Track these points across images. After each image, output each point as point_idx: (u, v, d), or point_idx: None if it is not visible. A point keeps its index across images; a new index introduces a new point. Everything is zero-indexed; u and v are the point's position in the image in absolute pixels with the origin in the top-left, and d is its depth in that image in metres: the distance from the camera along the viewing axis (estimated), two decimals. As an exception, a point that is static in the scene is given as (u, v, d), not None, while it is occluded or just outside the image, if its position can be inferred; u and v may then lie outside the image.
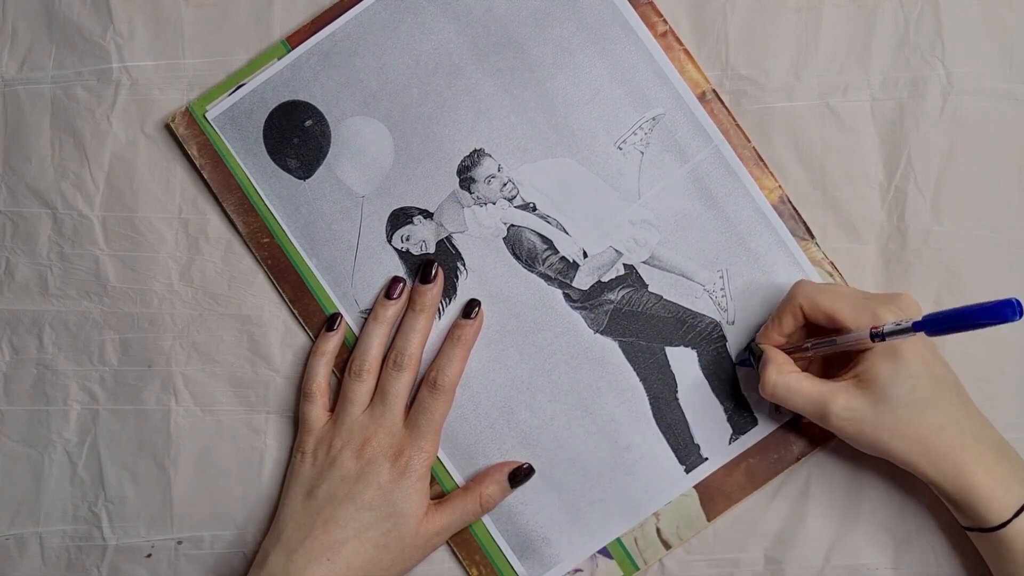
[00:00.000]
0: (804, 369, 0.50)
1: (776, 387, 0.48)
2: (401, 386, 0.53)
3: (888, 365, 0.46)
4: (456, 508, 0.52)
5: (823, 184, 0.54)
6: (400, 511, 0.51)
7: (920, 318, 0.43)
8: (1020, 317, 0.39)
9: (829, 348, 0.48)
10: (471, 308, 0.54)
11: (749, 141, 0.54)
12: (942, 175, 0.54)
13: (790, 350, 0.50)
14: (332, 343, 0.55)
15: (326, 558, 0.49)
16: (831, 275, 0.54)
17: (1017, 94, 0.54)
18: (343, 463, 0.51)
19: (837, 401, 0.47)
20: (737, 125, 0.54)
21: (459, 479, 0.54)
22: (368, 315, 0.54)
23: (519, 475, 0.53)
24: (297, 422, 0.55)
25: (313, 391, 0.54)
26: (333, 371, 0.55)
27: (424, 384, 0.53)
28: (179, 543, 0.56)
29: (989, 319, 0.40)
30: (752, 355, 0.52)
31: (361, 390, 0.53)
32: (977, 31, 0.54)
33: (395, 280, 0.54)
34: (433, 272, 0.54)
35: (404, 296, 0.54)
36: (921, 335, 0.43)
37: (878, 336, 0.45)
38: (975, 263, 0.54)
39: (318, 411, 0.54)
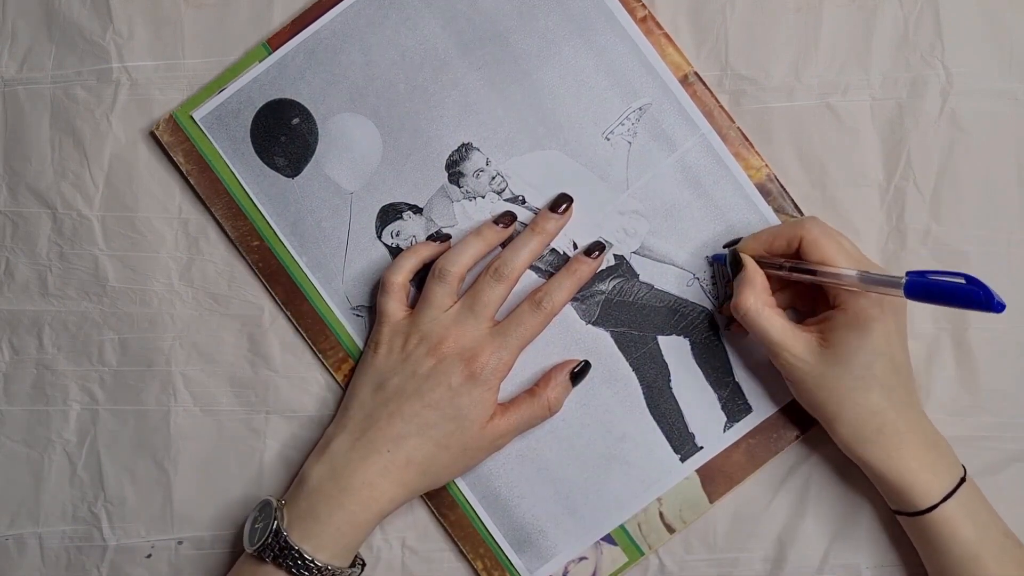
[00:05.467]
0: (774, 291, 0.51)
1: (748, 312, 0.49)
2: (495, 296, 0.52)
3: (855, 334, 0.47)
4: (524, 412, 0.52)
5: (823, 184, 0.54)
6: (465, 416, 0.50)
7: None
8: (1002, 311, 0.40)
9: (807, 277, 0.48)
10: (594, 248, 0.53)
11: (733, 121, 0.54)
12: (941, 175, 0.54)
13: (767, 264, 0.50)
14: (430, 250, 0.54)
15: (387, 449, 0.50)
16: None
17: (1017, 94, 0.54)
18: (417, 359, 0.51)
19: (795, 346, 0.48)
20: (720, 106, 0.54)
21: (460, 481, 0.55)
22: (470, 233, 0.54)
23: (580, 374, 0.53)
24: (296, 422, 0.55)
25: (394, 283, 0.53)
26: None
27: (528, 301, 0.52)
28: (179, 543, 0.56)
29: (975, 306, 0.40)
30: (731, 260, 0.51)
31: (442, 292, 0.52)
32: (977, 31, 0.54)
33: (508, 212, 0.54)
34: (564, 205, 0.53)
35: (510, 230, 0.54)
36: (901, 302, 0.46)
37: (865, 276, 0.45)
38: (974, 263, 0.54)
39: (395, 304, 0.53)
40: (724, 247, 0.53)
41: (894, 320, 0.48)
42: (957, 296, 0.41)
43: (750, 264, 0.50)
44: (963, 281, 0.41)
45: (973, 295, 0.40)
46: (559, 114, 0.55)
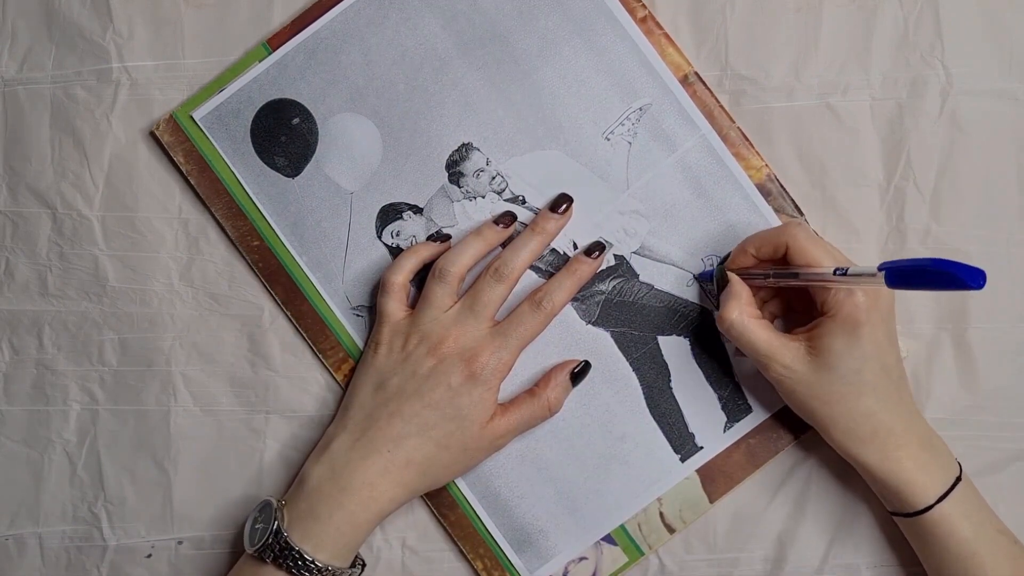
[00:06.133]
0: (762, 303, 0.51)
1: (733, 325, 0.49)
2: (496, 296, 0.52)
3: (843, 340, 0.47)
4: (524, 412, 0.52)
5: (823, 184, 0.55)
6: (464, 416, 0.50)
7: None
8: (982, 286, 0.39)
9: (790, 281, 0.48)
10: (594, 248, 0.53)
11: (733, 121, 0.54)
12: (941, 175, 0.54)
13: (752, 276, 0.50)
14: (430, 250, 0.54)
15: (387, 449, 0.50)
16: None
17: (1016, 94, 0.54)
18: (417, 359, 0.51)
19: (783, 356, 0.48)
20: (720, 106, 0.54)
21: (460, 481, 0.55)
22: (470, 233, 0.54)
23: (580, 374, 0.54)
24: (296, 422, 0.55)
25: (394, 283, 0.53)
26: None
27: (528, 301, 0.52)
28: (179, 543, 0.56)
29: (953, 284, 0.39)
30: (717, 277, 0.52)
31: (442, 292, 0.52)
32: (977, 31, 0.54)
33: (508, 212, 0.54)
34: (564, 205, 0.53)
35: (510, 230, 0.54)
36: (881, 298, 0.47)
37: (840, 271, 0.45)
38: (974, 263, 0.53)
39: (396, 304, 0.53)
40: (719, 264, 0.53)
41: (882, 324, 0.48)
42: (937, 276, 0.40)
43: (734, 278, 0.50)
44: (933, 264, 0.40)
45: (951, 269, 0.39)
46: (559, 114, 0.55)
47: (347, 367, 0.55)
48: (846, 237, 0.54)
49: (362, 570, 0.51)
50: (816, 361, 0.48)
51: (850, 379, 0.47)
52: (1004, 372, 0.54)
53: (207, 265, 0.56)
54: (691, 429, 0.54)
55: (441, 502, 0.55)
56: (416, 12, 0.55)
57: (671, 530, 0.54)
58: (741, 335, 0.49)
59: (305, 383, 0.56)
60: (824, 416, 0.49)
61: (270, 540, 0.48)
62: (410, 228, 0.55)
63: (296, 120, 0.55)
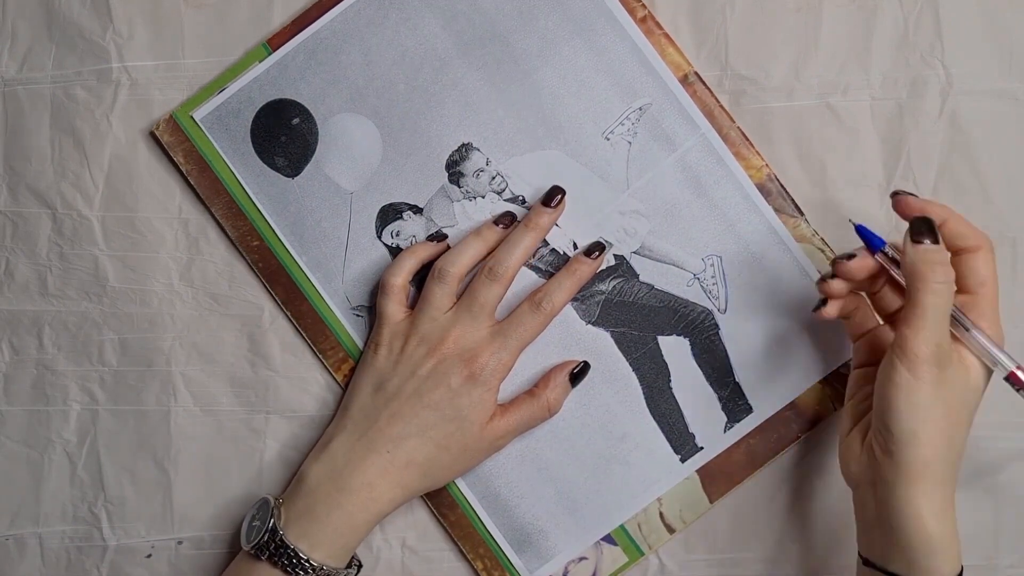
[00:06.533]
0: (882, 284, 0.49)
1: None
2: (492, 296, 0.52)
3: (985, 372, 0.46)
4: (523, 413, 0.52)
5: (823, 184, 0.55)
6: (464, 417, 0.50)
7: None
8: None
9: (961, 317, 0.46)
10: (593, 248, 0.53)
11: (734, 121, 0.54)
12: (941, 175, 0.54)
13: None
14: (429, 250, 0.54)
15: (386, 450, 0.50)
16: (821, 251, 0.54)
17: (1017, 94, 0.54)
18: (417, 360, 0.51)
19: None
20: (720, 106, 0.54)
21: (460, 481, 0.55)
22: (470, 233, 0.54)
23: (579, 375, 0.54)
24: (296, 422, 0.55)
25: (394, 285, 0.53)
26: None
27: (527, 301, 0.52)
28: (179, 543, 0.56)
29: None
30: (919, 227, 0.45)
31: (441, 293, 0.52)
32: (977, 31, 0.54)
33: (508, 213, 0.54)
34: (557, 199, 0.53)
35: (510, 231, 0.54)
36: None
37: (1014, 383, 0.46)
38: (975, 263, 0.54)
39: (395, 306, 0.53)
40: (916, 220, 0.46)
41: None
42: None
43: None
44: None
45: None
46: (559, 114, 0.55)
47: (347, 367, 0.55)
48: (846, 237, 0.54)
49: (358, 571, 0.51)
50: (952, 368, 0.45)
51: (974, 402, 0.45)
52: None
53: (207, 265, 0.56)
54: (691, 429, 0.54)
55: (441, 502, 0.55)
56: (416, 12, 0.55)
57: (671, 530, 0.54)
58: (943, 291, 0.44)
59: (305, 383, 0.56)
60: (929, 432, 0.43)
61: (266, 538, 0.48)
62: (410, 228, 0.55)
63: (296, 120, 0.55)
